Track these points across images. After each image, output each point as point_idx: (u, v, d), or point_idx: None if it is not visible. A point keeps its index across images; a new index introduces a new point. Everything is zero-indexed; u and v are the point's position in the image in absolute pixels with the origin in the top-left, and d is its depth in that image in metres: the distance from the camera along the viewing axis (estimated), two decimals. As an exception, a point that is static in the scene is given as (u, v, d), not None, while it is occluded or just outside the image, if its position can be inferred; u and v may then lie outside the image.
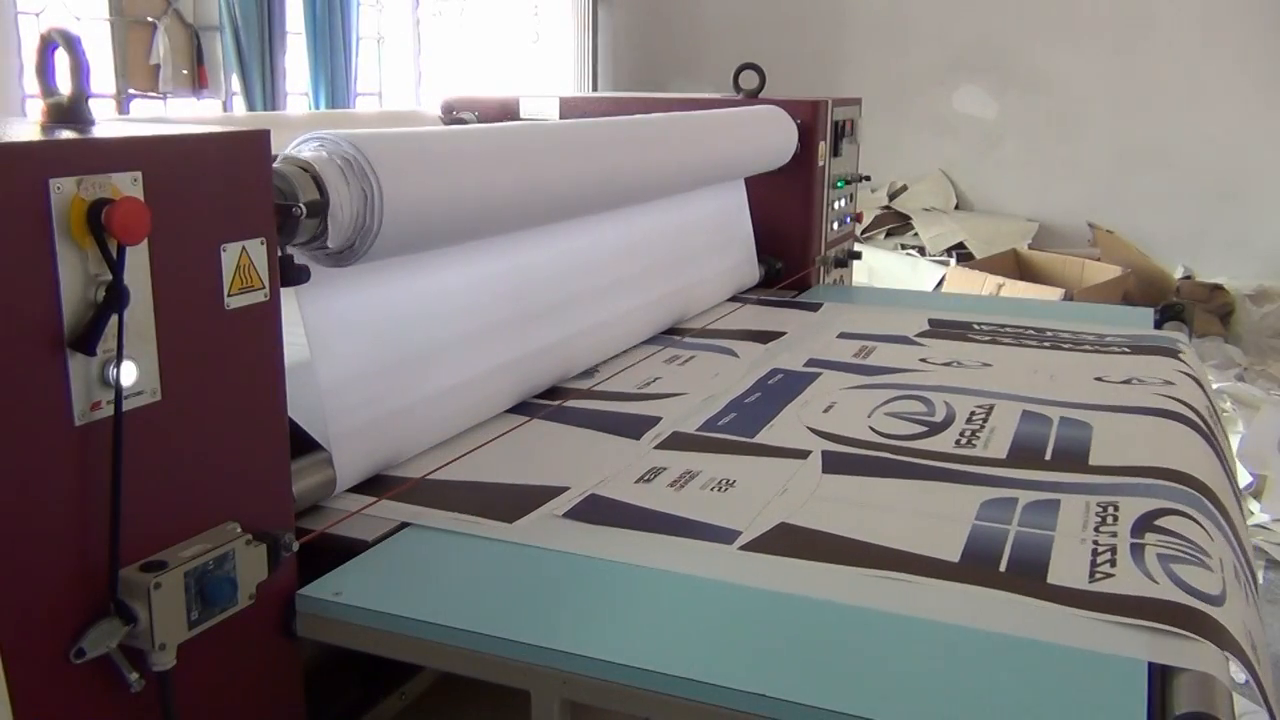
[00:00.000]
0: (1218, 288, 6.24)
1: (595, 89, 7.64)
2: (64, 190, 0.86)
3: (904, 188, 7.40)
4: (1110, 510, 1.32)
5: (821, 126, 2.71)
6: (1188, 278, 6.53)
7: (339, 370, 1.34)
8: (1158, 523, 1.28)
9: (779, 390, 1.83)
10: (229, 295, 1.03)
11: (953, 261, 6.23)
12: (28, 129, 0.95)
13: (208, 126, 1.06)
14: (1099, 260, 6.00)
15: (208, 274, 1.01)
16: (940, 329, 2.30)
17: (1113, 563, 1.18)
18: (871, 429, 1.64)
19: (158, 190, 0.94)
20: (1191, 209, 6.79)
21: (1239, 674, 0.99)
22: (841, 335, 2.23)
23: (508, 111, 2.84)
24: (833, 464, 1.49)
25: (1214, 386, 4.25)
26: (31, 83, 3.73)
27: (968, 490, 1.40)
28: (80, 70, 0.97)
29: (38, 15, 4.46)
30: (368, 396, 1.38)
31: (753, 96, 2.73)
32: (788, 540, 1.25)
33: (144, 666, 0.94)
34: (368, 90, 6.32)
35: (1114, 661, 0.99)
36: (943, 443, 1.58)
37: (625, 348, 2.05)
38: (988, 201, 7.38)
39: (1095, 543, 1.23)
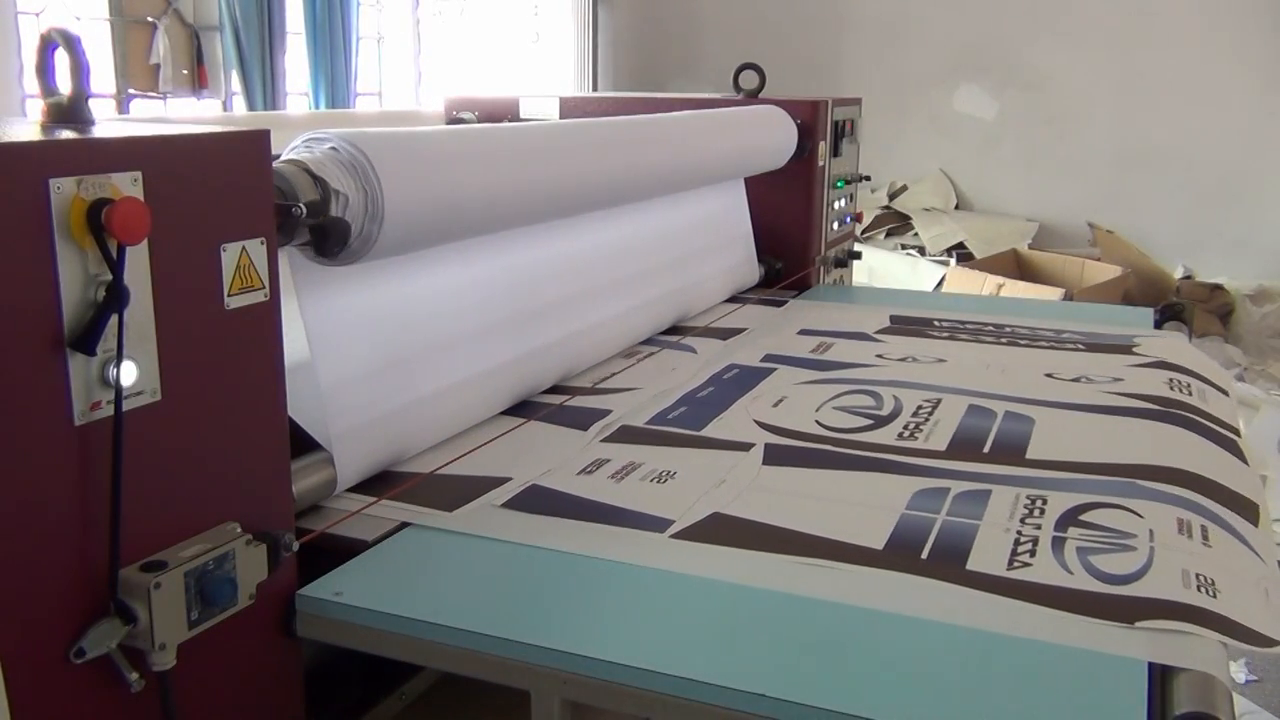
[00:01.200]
0: (1218, 288, 6.24)
1: (595, 89, 7.64)
2: (64, 190, 0.86)
3: (904, 188, 7.40)
4: (1039, 503, 1.35)
5: (821, 126, 2.71)
6: (1188, 278, 6.53)
7: (339, 370, 1.34)
8: (1083, 516, 1.31)
9: (732, 385, 1.86)
10: (229, 295, 1.03)
11: (953, 261, 6.23)
12: (28, 129, 0.95)
13: (208, 126, 1.05)
14: (1099, 260, 6.01)
15: (208, 274, 1.01)
16: (901, 325, 2.32)
17: (1032, 553, 1.21)
18: (817, 422, 1.66)
19: (158, 190, 0.94)
20: (1191, 209, 6.79)
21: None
22: (802, 331, 2.26)
23: (508, 111, 2.84)
24: (773, 456, 1.52)
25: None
26: (31, 83, 3.73)
27: (902, 481, 1.42)
28: (80, 70, 0.97)
29: (38, 15, 4.46)
30: (368, 396, 1.38)
31: (753, 96, 2.73)
32: (719, 529, 1.27)
33: (144, 666, 0.94)
34: (368, 90, 6.32)
35: (1114, 661, 0.99)
36: (886, 435, 1.61)
37: (625, 347, 2.05)
38: (988, 201, 7.38)
39: (1019, 533, 1.26)
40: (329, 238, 1.19)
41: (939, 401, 1.75)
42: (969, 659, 1.00)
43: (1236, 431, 1.71)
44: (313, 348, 1.30)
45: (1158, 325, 2.35)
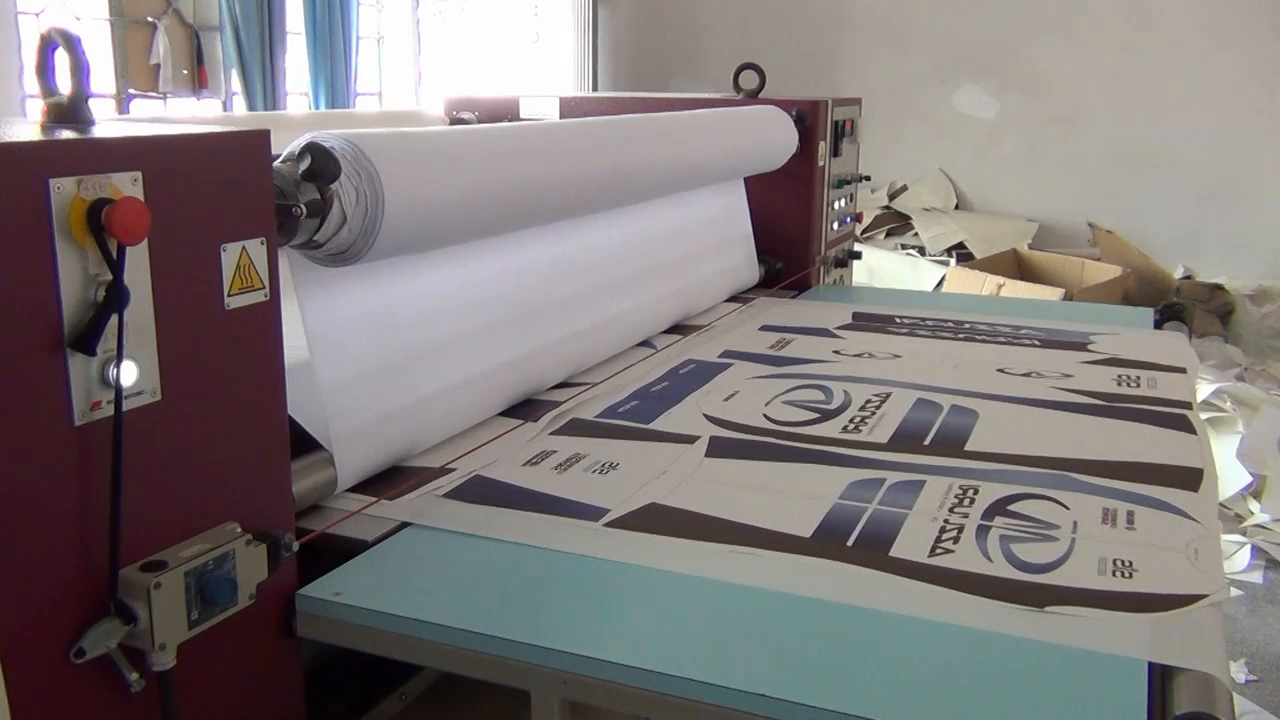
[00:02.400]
0: (1218, 288, 6.24)
1: (595, 89, 7.64)
2: (64, 190, 0.86)
3: (904, 188, 7.40)
4: (970, 493, 1.38)
5: (821, 126, 2.71)
6: (1188, 278, 6.53)
7: (339, 370, 1.34)
8: (1012, 507, 1.34)
9: (687, 379, 1.88)
10: (229, 295, 1.03)
11: (953, 261, 6.23)
12: (28, 129, 0.95)
13: (208, 126, 1.05)
14: (1099, 260, 6.00)
15: (208, 274, 1.01)
16: (862, 322, 2.36)
17: (956, 540, 1.24)
18: (765, 416, 1.69)
19: (158, 190, 0.94)
20: (1191, 209, 6.79)
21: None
22: (764, 328, 2.28)
23: (508, 111, 2.84)
24: (717, 449, 1.54)
25: (1212, 387, 4.26)
26: (31, 83, 3.73)
27: (840, 472, 1.45)
28: (80, 70, 0.97)
29: (38, 15, 4.46)
30: (368, 396, 1.38)
31: (753, 96, 2.73)
32: (653, 519, 1.30)
33: (144, 666, 0.94)
34: (368, 90, 6.32)
35: (1114, 661, 0.99)
36: (831, 428, 1.63)
37: (625, 347, 2.05)
38: (988, 201, 7.38)
39: (946, 521, 1.29)
40: (319, 176, 1.17)
41: (888, 395, 1.78)
42: (969, 659, 1.00)
43: (1189, 405, 1.75)
44: (313, 348, 1.30)
45: (1158, 325, 2.35)
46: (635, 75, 7.99)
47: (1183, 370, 1.96)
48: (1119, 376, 1.91)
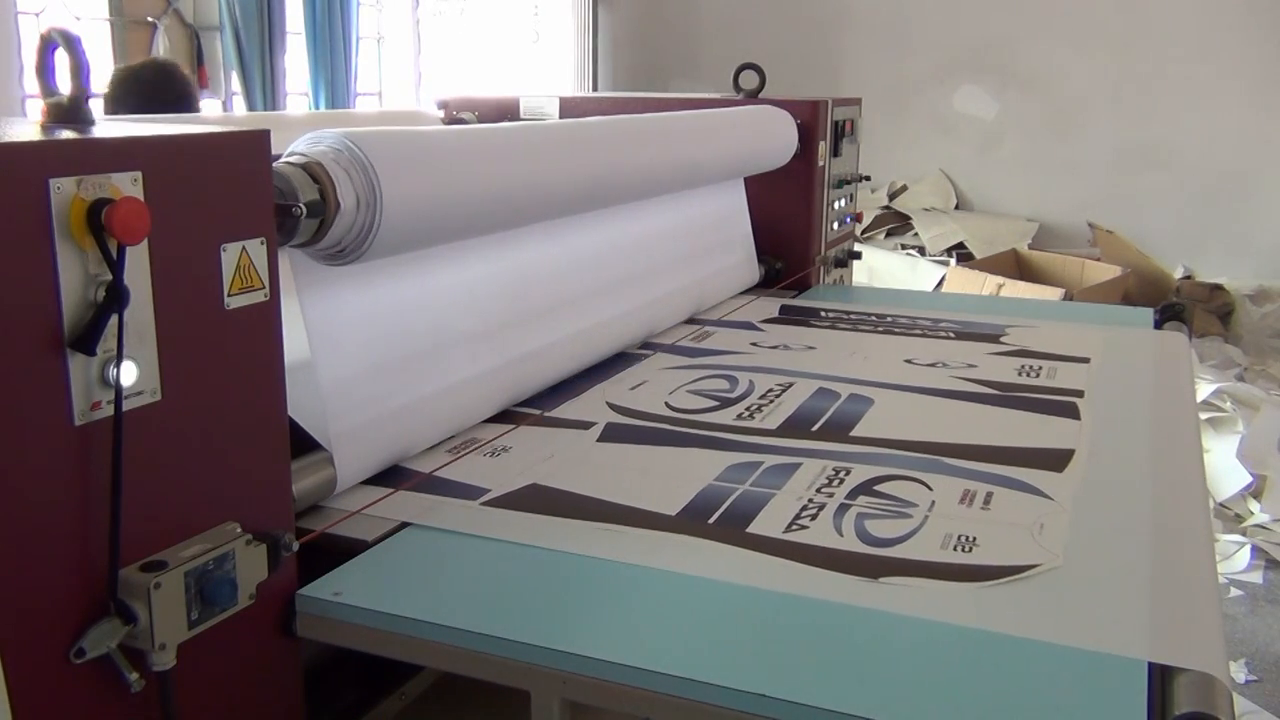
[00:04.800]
0: (1218, 288, 6.24)
1: (595, 89, 7.64)
2: (64, 190, 0.86)
3: (904, 188, 7.41)
4: (841, 474, 1.42)
5: (821, 126, 2.71)
6: (1188, 278, 6.54)
7: (339, 370, 1.34)
8: (878, 487, 1.38)
9: (600, 369, 1.91)
10: (229, 295, 1.03)
11: (953, 261, 6.23)
12: (28, 129, 0.95)
13: (208, 126, 1.05)
14: (1099, 260, 6.01)
15: (208, 274, 1.01)
16: (787, 315, 2.40)
17: (814, 517, 1.29)
18: (666, 404, 1.72)
19: (158, 190, 0.94)
20: (1191, 209, 6.79)
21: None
22: (689, 320, 2.32)
23: (508, 111, 2.84)
24: (610, 434, 1.59)
25: (1212, 387, 4.26)
26: (31, 83, 3.73)
27: (722, 456, 1.49)
28: (80, 70, 0.97)
29: (38, 15, 4.46)
30: (368, 396, 1.38)
31: (753, 96, 2.73)
32: (532, 498, 1.34)
33: (144, 666, 0.94)
34: (368, 90, 6.32)
35: (1114, 661, 0.99)
36: (725, 416, 1.67)
37: (624, 347, 2.05)
38: (987, 201, 7.39)
39: (810, 501, 1.34)
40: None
41: (790, 385, 1.82)
42: (969, 658, 1.00)
43: (1080, 394, 1.79)
44: (313, 348, 1.30)
45: (1158, 325, 2.35)
46: (635, 75, 7.99)
47: (1086, 360, 2.01)
48: (1021, 367, 1.96)
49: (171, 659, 0.95)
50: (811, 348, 2.09)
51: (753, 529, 1.25)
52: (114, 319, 0.89)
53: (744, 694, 0.94)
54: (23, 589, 0.86)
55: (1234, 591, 3.49)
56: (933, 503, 1.34)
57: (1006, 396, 1.78)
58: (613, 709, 1.00)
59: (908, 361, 1.98)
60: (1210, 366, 5.18)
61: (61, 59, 0.97)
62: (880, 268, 6.27)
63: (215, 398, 1.03)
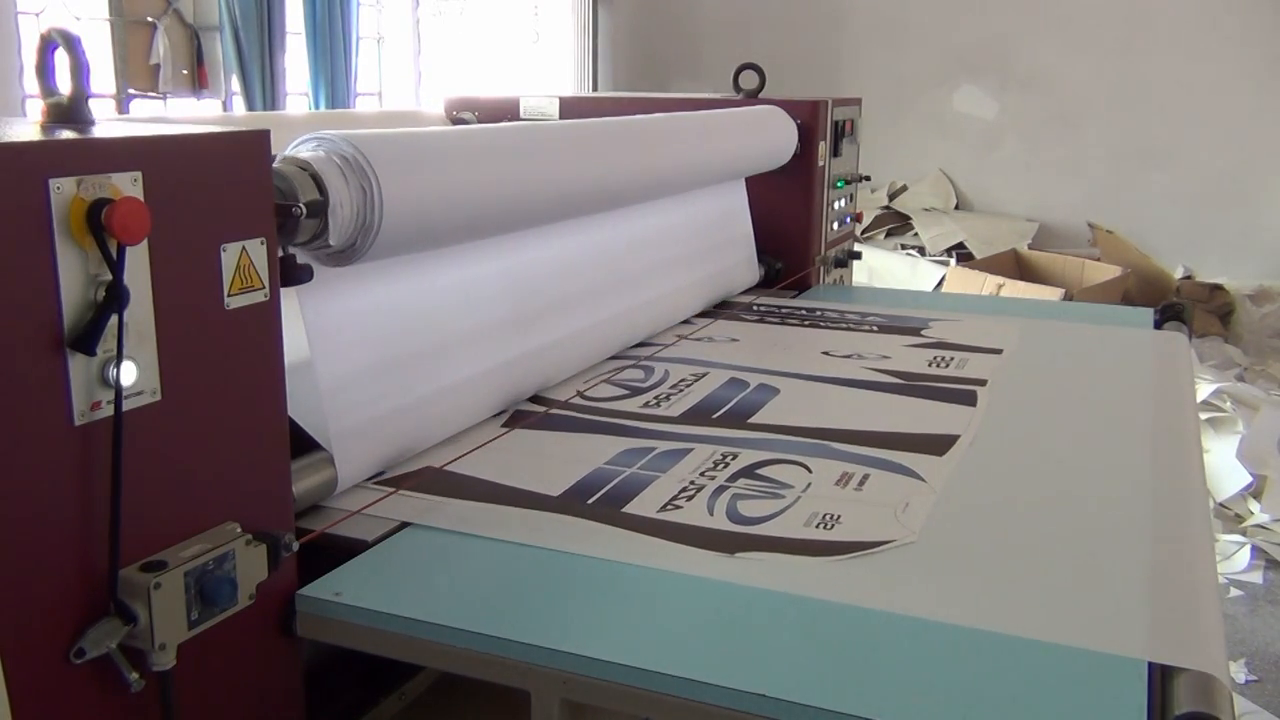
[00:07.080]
0: (1218, 288, 6.24)
1: (595, 89, 7.64)
2: (64, 190, 0.86)
3: (904, 188, 7.41)
4: (728, 459, 1.46)
5: (821, 126, 2.71)
6: (1188, 278, 6.53)
7: (339, 369, 1.34)
8: (760, 470, 1.42)
9: None
10: (229, 295, 1.03)
11: (953, 261, 6.23)
12: (28, 129, 0.95)
13: (208, 126, 1.05)
14: (1099, 260, 6.01)
15: (208, 274, 1.01)
16: (717, 310, 2.43)
17: (690, 498, 1.33)
18: (579, 393, 1.76)
19: (158, 190, 0.94)
20: (1191, 209, 6.79)
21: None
22: None
23: (508, 111, 2.84)
24: (517, 421, 1.63)
25: (1212, 387, 4.26)
26: (31, 83, 3.73)
27: (617, 441, 1.54)
28: (80, 70, 0.97)
29: (38, 15, 4.46)
30: (368, 396, 1.38)
31: (753, 96, 2.73)
32: (423, 480, 1.38)
33: (144, 666, 0.94)
34: (368, 90, 6.32)
35: (1113, 661, 0.99)
36: (633, 404, 1.71)
37: (624, 348, 2.05)
38: (987, 201, 7.38)
39: (691, 483, 1.38)
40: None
41: (704, 375, 1.86)
42: (970, 658, 1.00)
43: (983, 383, 1.83)
44: (313, 348, 1.30)
45: (1158, 325, 2.35)
46: (635, 75, 7.98)
47: (999, 351, 2.04)
48: (934, 358, 2.00)
49: (171, 659, 0.95)
50: (735, 340, 2.14)
51: (629, 509, 1.30)
52: (114, 319, 0.89)
53: (744, 694, 0.94)
54: (23, 589, 0.86)
55: (1234, 591, 3.49)
56: (809, 484, 1.38)
57: (910, 385, 1.82)
58: (613, 709, 1.00)
59: (824, 353, 2.02)
60: (1210, 366, 5.18)
61: (61, 59, 0.97)
62: (880, 268, 6.27)
63: (215, 398, 1.03)
